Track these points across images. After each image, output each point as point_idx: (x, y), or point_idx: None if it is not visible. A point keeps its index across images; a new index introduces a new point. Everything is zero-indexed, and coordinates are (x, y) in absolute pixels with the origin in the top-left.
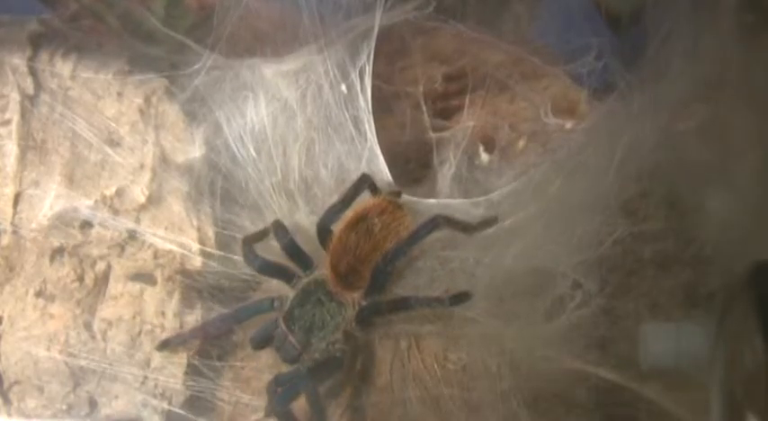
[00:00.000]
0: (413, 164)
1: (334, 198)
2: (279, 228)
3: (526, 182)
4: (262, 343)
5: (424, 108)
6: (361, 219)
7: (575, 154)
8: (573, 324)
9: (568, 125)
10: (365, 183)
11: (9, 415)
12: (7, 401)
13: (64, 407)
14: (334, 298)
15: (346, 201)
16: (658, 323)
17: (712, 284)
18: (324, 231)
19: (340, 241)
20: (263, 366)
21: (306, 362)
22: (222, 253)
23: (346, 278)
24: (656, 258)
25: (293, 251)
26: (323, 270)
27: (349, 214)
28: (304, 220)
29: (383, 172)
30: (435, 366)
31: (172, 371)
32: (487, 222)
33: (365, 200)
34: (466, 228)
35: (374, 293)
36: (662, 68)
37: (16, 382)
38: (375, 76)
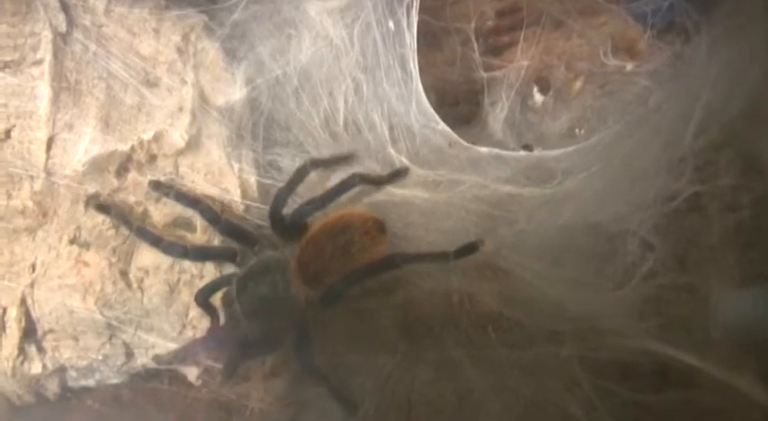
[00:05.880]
0: (462, 104)
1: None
2: (284, 192)
3: (594, 143)
4: (208, 296)
5: (475, 45)
6: (341, 230)
7: (648, 110)
8: (644, 295)
9: (629, 67)
10: (352, 183)
11: (43, 363)
12: (41, 350)
13: (99, 357)
14: (289, 288)
15: (327, 198)
16: (732, 289)
17: None
18: (298, 223)
19: (314, 245)
20: None
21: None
22: (262, 205)
23: (309, 279)
24: (728, 218)
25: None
26: (291, 258)
27: (333, 216)
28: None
29: (429, 113)
30: (489, 326)
31: None
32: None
33: (353, 208)
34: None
35: (327, 302)
36: (738, 12)
37: (50, 331)
38: (423, 10)
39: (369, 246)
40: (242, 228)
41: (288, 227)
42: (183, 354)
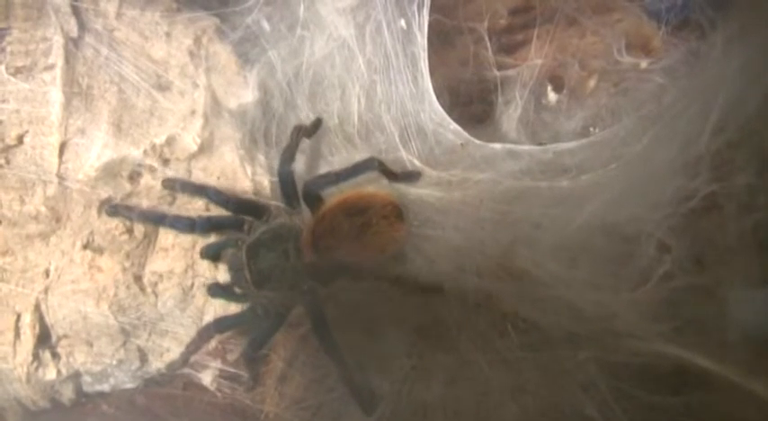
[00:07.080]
0: (476, 103)
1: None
2: (287, 153)
3: (609, 137)
4: (213, 256)
5: (488, 44)
6: (360, 210)
7: (663, 108)
8: (660, 297)
9: (643, 64)
10: (370, 166)
11: (58, 369)
12: (56, 356)
13: (114, 362)
14: (300, 257)
15: (342, 176)
16: (749, 290)
17: None
18: (310, 194)
19: (331, 220)
20: None
21: (251, 305)
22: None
23: (320, 252)
24: (745, 219)
25: (288, 186)
26: (304, 227)
27: (354, 194)
28: None
29: (441, 113)
30: (509, 325)
31: None
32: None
33: (375, 189)
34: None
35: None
36: (754, 7)
37: (64, 336)
38: (436, 9)
39: (385, 230)
40: (252, 201)
41: (296, 193)
42: (197, 344)
